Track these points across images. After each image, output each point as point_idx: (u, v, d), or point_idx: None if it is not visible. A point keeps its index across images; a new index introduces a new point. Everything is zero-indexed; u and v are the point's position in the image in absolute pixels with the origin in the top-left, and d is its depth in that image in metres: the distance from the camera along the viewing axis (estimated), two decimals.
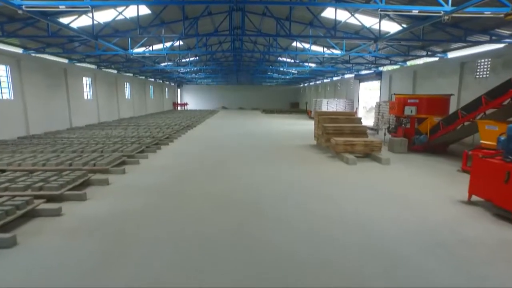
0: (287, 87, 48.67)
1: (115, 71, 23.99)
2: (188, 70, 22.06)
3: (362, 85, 24.30)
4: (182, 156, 9.98)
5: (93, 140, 11.69)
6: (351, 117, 11.69)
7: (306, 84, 43.60)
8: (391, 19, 10.41)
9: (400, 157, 9.93)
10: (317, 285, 3.17)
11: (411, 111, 10.85)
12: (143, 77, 30.88)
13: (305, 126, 20.37)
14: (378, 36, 10.35)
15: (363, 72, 23.52)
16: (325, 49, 16.99)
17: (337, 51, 15.35)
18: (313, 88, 39.47)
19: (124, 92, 25.90)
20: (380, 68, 20.33)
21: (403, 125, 11.33)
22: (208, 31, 16.68)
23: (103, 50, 13.86)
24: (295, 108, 45.77)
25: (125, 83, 26.25)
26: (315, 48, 17.86)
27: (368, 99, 25.23)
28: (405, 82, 17.44)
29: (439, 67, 14.36)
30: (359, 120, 11.55)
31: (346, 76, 27.58)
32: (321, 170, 8.09)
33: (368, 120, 23.53)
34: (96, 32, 10.22)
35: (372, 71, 21.37)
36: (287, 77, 29.72)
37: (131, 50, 13.54)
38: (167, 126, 17.96)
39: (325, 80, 34.44)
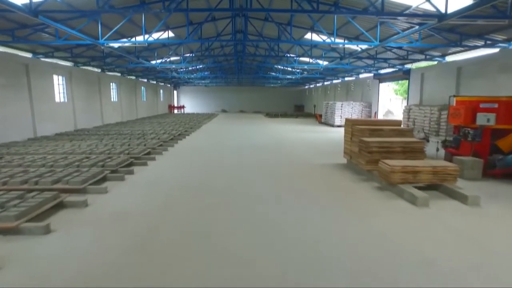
0: (291, 88, 45.55)
1: (97, 70, 20.84)
2: (182, 67, 18.89)
3: (382, 86, 21.15)
4: (157, 189, 6.77)
5: (42, 159, 8.49)
6: (398, 127, 8.49)
7: (312, 86, 40.47)
8: None
9: (478, 187, 6.73)
10: None
11: (488, 120, 7.66)
12: (133, 77, 27.74)
13: (319, 134, 17.17)
14: (443, 14, 7.19)
15: (384, 70, 20.38)
16: (345, 40, 13.89)
17: (355, 43, 12.24)
18: (321, 90, 36.32)
19: (110, 94, 22.74)
20: (408, 66, 17.18)
21: (470, 139, 8.15)
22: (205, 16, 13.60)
23: (65, 39, 10.69)
24: (300, 111, 42.64)
25: (111, 83, 23.09)
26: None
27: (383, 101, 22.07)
28: (443, 81, 14.27)
29: (500, 60, 11.14)
30: (410, 132, 8.35)
31: (362, 75, 24.44)
32: (380, 223, 4.87)
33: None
34: (34, 6, 7.03)
35: (396, 69, 18.22)
36: (295, 77, 26.55)
37: (102, 40, 10.38)
38: (154, 134, 14.78)
39: (335, 81, 31.30)
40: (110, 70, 21.89)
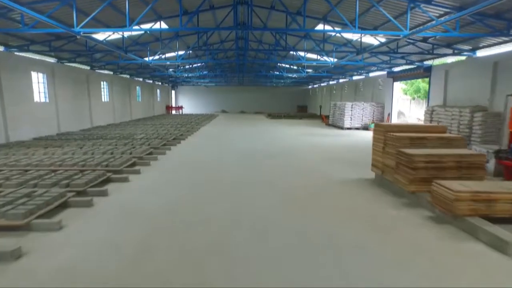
0: (294, 88, 43.83)
1: (85, 67, 19.09)
2: (178, 63, 17.14)
3: (396, 84, 19.40)
4: (133, 224, 5.01)
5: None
6: (444, 135, 6.72)
7: (316, 85, 38.73)
8: None
9: None
10: None
11: None
12: (127, 76, 25.99)
13: (330, 139, 15.40)
14: None
15: (399, 68, 18.63)
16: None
17: (381, 33, 10.49)
18: (326, 90, 34.57)
19: (100, 93, 20.98)
20: (428, 62, 15.43)
21: None
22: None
23: (32, 26, 8.89)
24: (303, 112, 40.92)
25: (102, 82, 21.33)
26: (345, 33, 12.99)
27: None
28: (473, 79, 12.49)
29: None
30: (462, 141, 6.57)
31: (373, 74, 22.69)
32: None
33: None
34: None
35: (414, 66, 16.46)
36: (301, 75, 24.77)
37: (78, 28, 8.62)
38: (145, 139, 13.04)
39: (341, 80, 29.55)
40: (100, 68, 20.14)
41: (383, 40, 12.28)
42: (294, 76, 27.18)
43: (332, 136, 16.68)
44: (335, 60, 16.19)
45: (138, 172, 7.92)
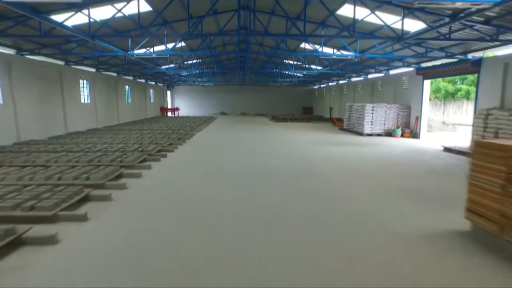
0: (298, 88, 40.88)
1: (59, 62, 16.09)
2: (166, 56, 14.15)
3: (427, 83, 16.41)
4: None
5: None
6: None
7: (323, 85, 35.74)
8: None
9: None
10: None
11: None
12: (114, 74, 22.98)
13: (355, 149, 12.35)
14: None
15: (429, 63, 15.66)
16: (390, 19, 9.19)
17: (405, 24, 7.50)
18: (335, 89, 31.56)
19: (78, 94, 17.97)
20: (477, 55, 12.43)
21: None
22: None
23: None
24: (308, 114, 37.96)
25: (81, 81, 18.32)
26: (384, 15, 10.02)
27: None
28: None
29: None
30: None
31: (394, 71, 19.71)
32: None
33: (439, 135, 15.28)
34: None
35: (456, 60, 13.46)
36: (312, 73, 21.76)
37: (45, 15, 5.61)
38: (120, 152, 10.04)
39: (354, 79, 26.57)
40: (77, 63, 17.13)
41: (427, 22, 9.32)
42: (303, 73, 24.14)
43: (354, 145, 13.67)
44: (350, 54, 13.10)
45: (84, 219, 4.88)
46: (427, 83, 16.29)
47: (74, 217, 4.82)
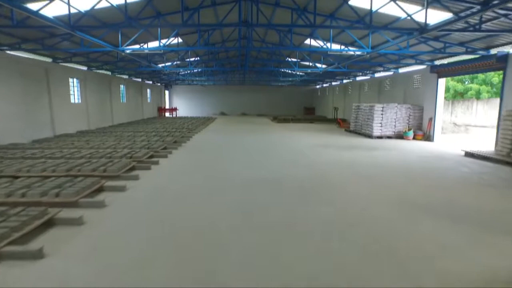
0: (300, 88, 39.76)
1: (46, 59, 14.94)
2: (159, 51, 13.03)
3: (442, 82, 15.26)
4: None
5: None
6: None
7: (327, 84, 34.61)
8: None
9: None
10: None
11: None
12: (108, 72, 21.82)
13: (367, 153, 11.16)
14: None
15: (446, 61, 14.51)
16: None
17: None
18: (339, 89, 30.43)
19: (67, 93, 16.81)
20: (503, 50, 11.28)
21: None
22: None
23: None
24: (310, 114, 36.87)
25: (70, 79, 17.18)
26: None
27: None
28: None
29: None
30: None
31: (404, 70, 18.57)
32: None
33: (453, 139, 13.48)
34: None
35: (477, 56, 12.31)
36: (317, 71, 20.61)
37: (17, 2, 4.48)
38: (106, 159, 8.89)
39: (359, 78, 25.44)
40: (66, 61, 15.97)
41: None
42: (307, 71, 22.98)
43: (365, 149, 12.53)
44: (361, 50, 11.95)
45: (39, 255, 3.76)
46: (442, 81, 15.14)
47: (22, 255, 3.67)
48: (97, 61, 16.79)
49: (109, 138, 13.66)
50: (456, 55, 13.27)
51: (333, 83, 32.34)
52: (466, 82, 28.94)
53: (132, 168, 8.40)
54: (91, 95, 19.13)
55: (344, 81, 29.04)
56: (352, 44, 14.74)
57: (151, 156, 10.05)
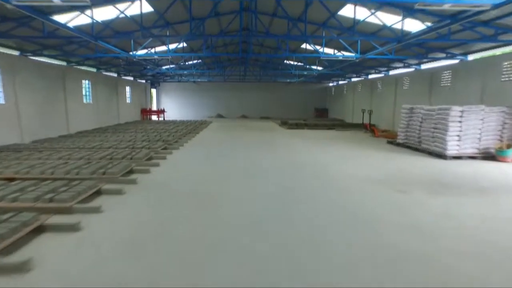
0: (309, 85, 34.01)
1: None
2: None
3: None
4: None
5: None
6: None
7: (345, 81, 28.94)
8: None
9: None
10: None
11: None
12: (64, 63, 16.05)
13: (468, 200, 5.42)
14: None
15: None
16: None
17: None
18: (361, 87, 24.75)
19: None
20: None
21: None
22: None
23: None
24: (322, 116, 31.44)
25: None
26: None
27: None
28: None
29: None
30: None
31: (477, 55, 12.93)
32: None
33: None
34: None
35: None
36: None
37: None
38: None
39: (393, 72, 19.80)
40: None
41: None
42: (319, 68, 17.58)
43: (470, 189, 6.86)
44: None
45: None
46: None
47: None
48: (59, 49, 11.20)
49: (43, 165, 7.85)
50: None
51: (353, 79, 26.70)
52: None
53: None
54: (26, 93, 13.20)
55: (370, 76, 23.38)
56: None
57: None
